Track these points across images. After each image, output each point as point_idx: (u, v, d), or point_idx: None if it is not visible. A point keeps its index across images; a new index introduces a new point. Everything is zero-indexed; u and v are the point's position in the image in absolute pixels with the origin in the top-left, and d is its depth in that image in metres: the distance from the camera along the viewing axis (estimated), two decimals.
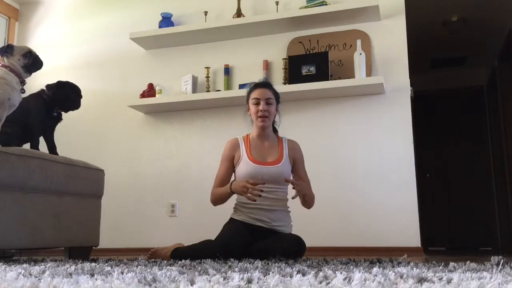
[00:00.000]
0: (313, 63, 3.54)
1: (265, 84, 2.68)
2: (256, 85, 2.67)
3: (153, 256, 2.58)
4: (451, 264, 1.66)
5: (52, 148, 2.73)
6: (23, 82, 2.42)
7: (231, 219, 2.61)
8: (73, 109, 2.82)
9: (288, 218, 2.62)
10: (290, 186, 2.63)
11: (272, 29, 3.77)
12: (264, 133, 2.64)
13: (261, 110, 2.55)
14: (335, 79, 3.51)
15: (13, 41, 4.53)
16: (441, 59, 5.95)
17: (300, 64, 3.57)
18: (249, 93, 2.67)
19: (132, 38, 3.97)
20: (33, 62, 2.44)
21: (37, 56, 2.49)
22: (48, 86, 2.74)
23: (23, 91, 2.41)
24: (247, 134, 2.71)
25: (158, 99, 3.81)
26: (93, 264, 1.86)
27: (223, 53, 3.93)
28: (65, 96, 2.74)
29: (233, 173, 2.67)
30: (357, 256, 2.80)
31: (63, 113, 2.80)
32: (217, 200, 2.60)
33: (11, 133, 2.51)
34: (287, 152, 2.63)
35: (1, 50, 2.38)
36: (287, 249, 2.32)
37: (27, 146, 2.65)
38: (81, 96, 2.85)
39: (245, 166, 2.56)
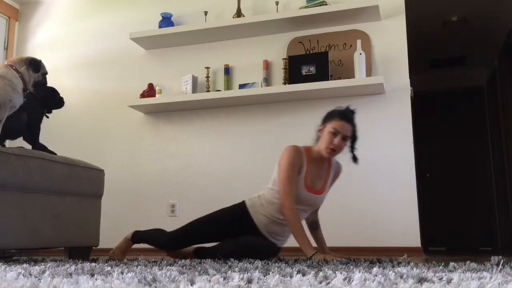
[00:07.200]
0: (313, 63, 3.54)
1: (351, 119, 2.49)
2: (343, 117, 2.47)
3: (114, 256, 2.63)
4: (451, 264, 1.66)
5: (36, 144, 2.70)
6: (25, 91, 2.43)
7: (246, 212, 2.49)
8: (57, 108, 2.83)
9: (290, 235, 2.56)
10: None
11: (272, 29, 3.77)
12: (327, 159, 2.56)
13: (334, 144, 2.44)
14: (335, 79, 3.51)
15: (13, 41, 4.53)
16: (441, 59, 5.95)
17: (300, 64, 3.57)
18: (331, 116, 2.51)
19: (132, 38, 3.97)
20: (43, 84, 2.54)
21: (47, 80, 2.58)
22: (36, 87, 2.73)
23: (24, 99, 2.43)
24: (307, 148, 2.56)
25: (158, 99, 3.82)
26: (93, 264, 1.86)
27: (223, 53, 3.93)
28: (52, 97, 2.76)
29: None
30: (357, 256, 2.80)
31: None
32: (290, 223, 2.39)
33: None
34: (331, 180, 2.62)
35: (32, 63, 2.42)
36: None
37: (17, 144, 2.64)
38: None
39: (298, 190, 2.45)
